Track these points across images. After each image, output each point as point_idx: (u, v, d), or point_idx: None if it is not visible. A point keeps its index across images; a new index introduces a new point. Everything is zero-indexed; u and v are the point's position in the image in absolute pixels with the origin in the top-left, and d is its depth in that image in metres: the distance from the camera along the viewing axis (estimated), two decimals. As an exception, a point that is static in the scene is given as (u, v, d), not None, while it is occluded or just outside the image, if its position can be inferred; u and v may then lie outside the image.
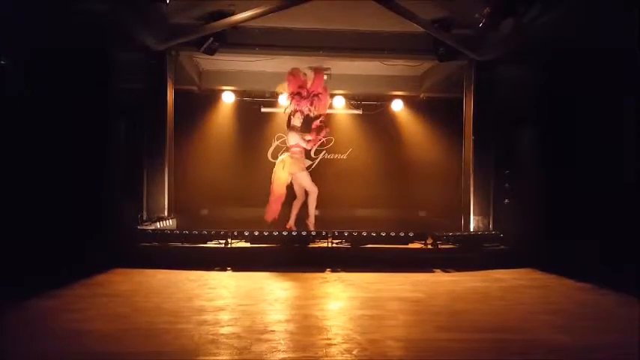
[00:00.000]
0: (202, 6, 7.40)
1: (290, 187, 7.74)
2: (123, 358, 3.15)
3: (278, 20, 7.63)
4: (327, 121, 8.41)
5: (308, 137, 7.81)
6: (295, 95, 7.68)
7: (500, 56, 7.68)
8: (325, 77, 8.59)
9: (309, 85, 7.76)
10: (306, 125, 7.92)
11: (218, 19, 7.50)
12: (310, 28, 8.11)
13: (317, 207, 7.70)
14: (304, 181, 7.64)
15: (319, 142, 8.36)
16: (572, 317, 4.25)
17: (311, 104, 7.72)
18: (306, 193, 7.68)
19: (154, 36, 7.51)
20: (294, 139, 7.68)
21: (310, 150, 8.16)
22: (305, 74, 7.88)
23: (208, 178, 10.42)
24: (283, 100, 8.15)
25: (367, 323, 3.92)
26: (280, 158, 7.92)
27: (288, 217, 7.73)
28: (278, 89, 8.08)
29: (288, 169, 7.56)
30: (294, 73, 7.78)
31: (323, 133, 7.91)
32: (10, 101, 5.11)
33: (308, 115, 7.84)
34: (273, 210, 7.65)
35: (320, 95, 7.78)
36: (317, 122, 7.87)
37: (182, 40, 7.78)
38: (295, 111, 7.72)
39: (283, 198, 7.68)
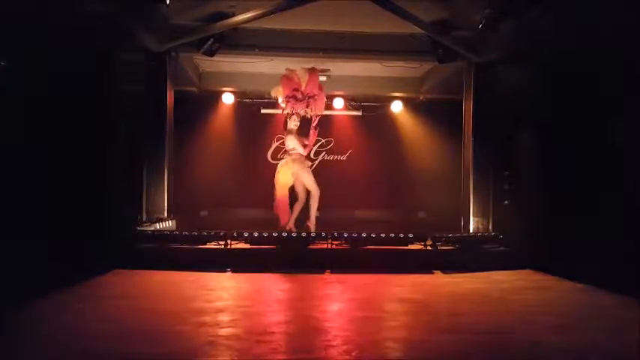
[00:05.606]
0: (202, 7, 7.41)
1: (292, 189, 7.71)
2: (122, 359, 3.15)
3: (278, 22, 7.64)
4: (325, 122, 8.38)
5: (306, 142, 7.79)
6: (290, 98, 7.63)
7: (499, 58, 7.68)
8: (324, 78, 8.59)
9: (303, 87, 7.70)
10: (304, 127, 7.91)
11: (218, 20, 7.53)
12: (310, 30, 8.10)
13: (317, 208, 7.68)
14: (307, 180, 7.59)
15: (316, 144, 8.30)
16: (572, 318, 4.26)
17: (307, 106, 7.68)
18: (308, 195, 7.66)
19: (154, 37, 7.51)
20: (291, 142, 7.65)
21: (308, 154, 8.11)
22: (299, 76, 7.77)
23: (208, 180, 10.41)
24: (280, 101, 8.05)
25: (367, 325, 3.92)
26: (283, 161, 7.87)
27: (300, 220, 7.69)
28: (273, 93, 8.05)
29: (290, 169, 7.53)
30: (288, 76, 7.72)
31: (313, 135, 7.87)
32: (10, 102, 5.10)
33: (305, 117, 7.83)
34: (283, 216, 7.57)
35: (316, 96, 7.73)
36: (314, 126, 7.84)
37: (182, 42, 7.79)
38: (291, 114, 7.69)
39: (287, 199, 7.63)
